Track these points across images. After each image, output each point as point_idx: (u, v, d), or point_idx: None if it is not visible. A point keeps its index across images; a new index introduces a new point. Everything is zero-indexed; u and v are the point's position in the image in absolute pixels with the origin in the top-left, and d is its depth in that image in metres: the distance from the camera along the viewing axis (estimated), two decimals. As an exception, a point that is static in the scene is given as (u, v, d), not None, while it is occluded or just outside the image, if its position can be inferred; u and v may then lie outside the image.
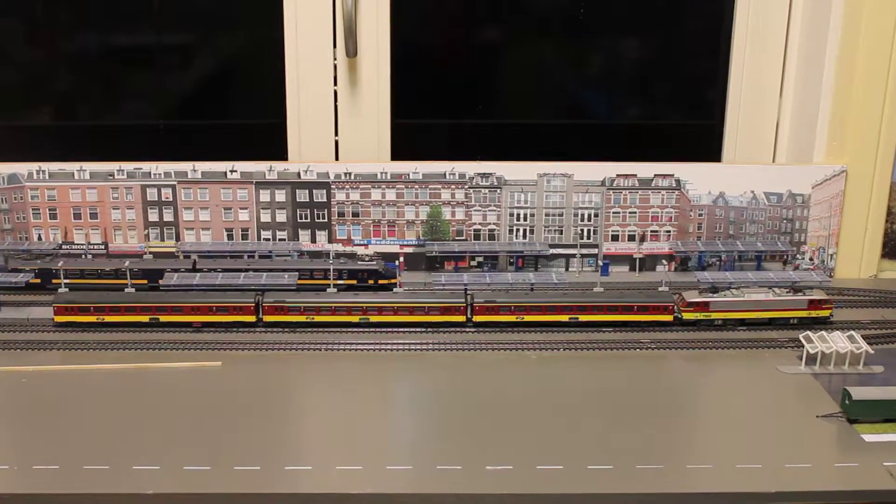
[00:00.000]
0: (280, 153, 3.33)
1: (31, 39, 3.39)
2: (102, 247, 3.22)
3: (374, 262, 3.13)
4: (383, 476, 2.07)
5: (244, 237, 3.23)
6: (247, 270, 3.06)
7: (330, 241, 3.23)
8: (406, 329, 2.84)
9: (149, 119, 3.45)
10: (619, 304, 2.87)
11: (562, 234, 3.24)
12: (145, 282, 3.05)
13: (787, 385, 2.53)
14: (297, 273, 3.03)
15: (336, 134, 3.32)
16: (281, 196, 3.20)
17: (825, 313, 2.90)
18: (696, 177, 3.22)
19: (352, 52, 3.17)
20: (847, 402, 2.30)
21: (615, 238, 3.26)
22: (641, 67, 3.56)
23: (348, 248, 3.23)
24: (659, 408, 2.42)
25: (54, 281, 3.07)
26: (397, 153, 3.34)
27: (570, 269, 3.26)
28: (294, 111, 3.31)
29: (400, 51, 3.28)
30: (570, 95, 3.60)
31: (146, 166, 3.17)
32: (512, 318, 2.86)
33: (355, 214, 3.22)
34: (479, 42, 3.50)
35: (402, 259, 3.24)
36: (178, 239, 3.22)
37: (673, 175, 3.22)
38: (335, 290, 3.03)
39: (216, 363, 2.61)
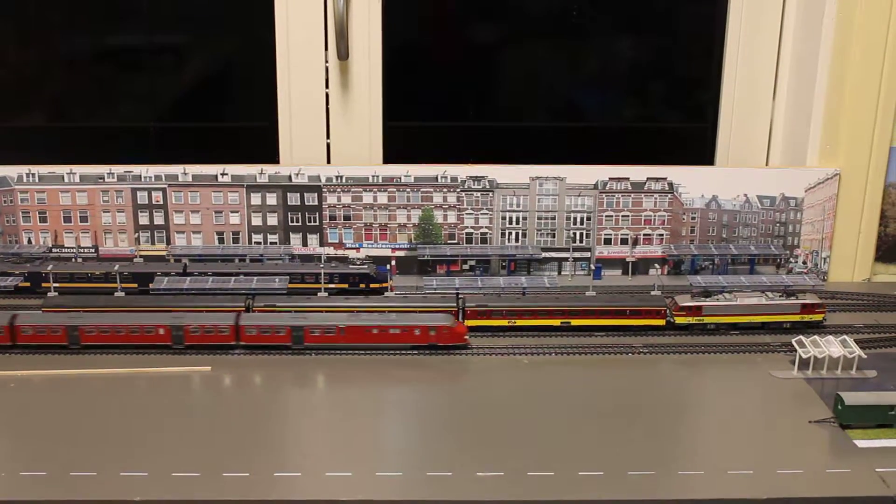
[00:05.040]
0: (271, 156, 3.31)
1: (19, 41, 3.37)
2: (93, 250, 3.21)
3: (366, 266, 3.11)
4: (373, 482, 2.06)
5: (235, 241, 3.21)
6: (237, 274, 3.04)
7: (321, 244, 3.22)
8: (397, 333, 2.83)
9: (139, 122, 3.43)
10: (612, 308, 2.86)
11: (554, 237, 3.23)
12: (135, 285, 3.04)
13: (779, 390, 2.52)
14: (287, 277, 3.02)
15: (328, 137, 3.31)
16: (272, 199, 3.19)
17: (818, 317, 2.89)
18: (689, 180, 3.21)
19: (343, 54, 3.16)
20: (840, 407, 2.29)
21: (608, 242, 3.25)
22: (634, 70, 3.55)
23: (340, 252, 3.22)
24: (651, 413, 2.41)
25: (44, 284, 3.05)
26: (389, 156, 3.33)
27: (562, 273, 3.25)
28: (285, 114, 3.29)
29: (392, 53, 3.26)
30: (562, 98, 3.59)
31: (136, 169, 3.15)
32: (503, 322, 2.85)
33: (347, 218, 3.20)
34: (470, 45, 3.49)
35: (393, 263, 3.23)
36: (168, 242, 3.20)
37: (666, 178, 3.21)
38: (326, 294, 3.02)
39: (206, 368, 2.60)
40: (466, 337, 2.73)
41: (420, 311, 2.79)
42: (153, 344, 2.70)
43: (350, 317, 2.74)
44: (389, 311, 2.78)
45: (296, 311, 2.79)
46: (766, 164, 3.43)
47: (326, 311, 2.79)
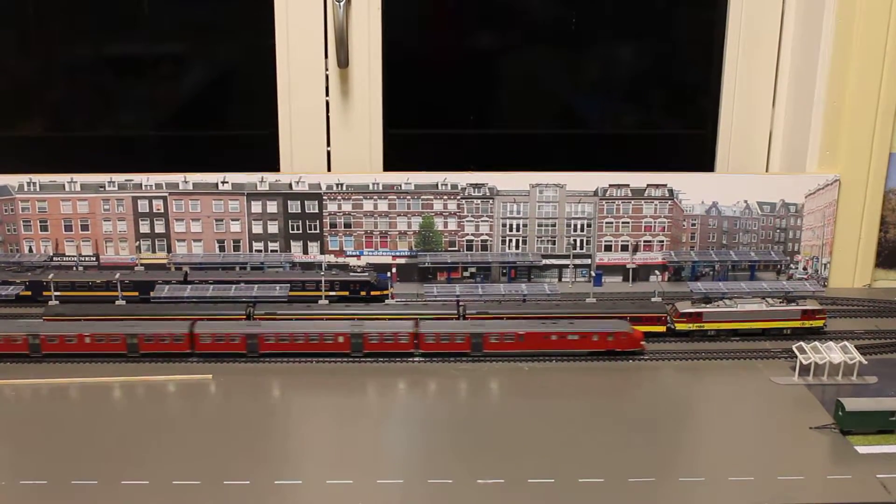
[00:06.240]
0: (272, 164, 3.32)
1: (19, 50, 3.38)
2: (94, 259, 3.21)
3: (366, 274, 3.12)
4: (374, 490, 2.06)
5: (236, 249, 3.22)
6: (238, 282, 3.05)
7: (322, 252, 3.22)
8: (398, 341, 2.83)
9: (140, 130, 3.44)
10: (612, 315, 2.86)
11: (554, 244, 3.23)
12: (136, 294, 3.04)
13: (780, 396, 2.52)
14: (288, 285, 3.02)
15: (328, 145, 3.31)
16: (272, 207, 3.19)
17: (819, 323, 2.89)
18: (689, 186, 3.22)
19: (343, 62, 3.17)
20: (840, 413, 2.29)
21: (608, 248, 3.25)
22: (634, 77, 3.55)
23: (340, 260, 3.22)
24: (651, 419, 2.41)
25: (45, 293, 3.05)
26: (389, 164, 3.33)
27: (562, 280, 3.25)
28: (286, 122, 3.30)
29: (391, 61, 3.27)
30: (562, 105, 3.59)
31: (137, 178, 3.15)
32: (504, 329, 2.85)
33: (347, 225, 3.21)
34: (470, 52, 3.49)
35: (394, 270, 3.23)
36: (169, 251, 3.21)
37: (666, 185, 3.21)
38: (327, 301, 3.02)
39: (207, 376, 2.60)
40: (643, 343, 2.73)
41: (596, 318, 2.80)
42: (332, 352, 2.71)
43: (529, 324, 2.75)
44: (566, 318, 2.79)
45: (473, 319, 2.80)
46: (766, 171, 3.43)
47: (496, 319, 2.80)
